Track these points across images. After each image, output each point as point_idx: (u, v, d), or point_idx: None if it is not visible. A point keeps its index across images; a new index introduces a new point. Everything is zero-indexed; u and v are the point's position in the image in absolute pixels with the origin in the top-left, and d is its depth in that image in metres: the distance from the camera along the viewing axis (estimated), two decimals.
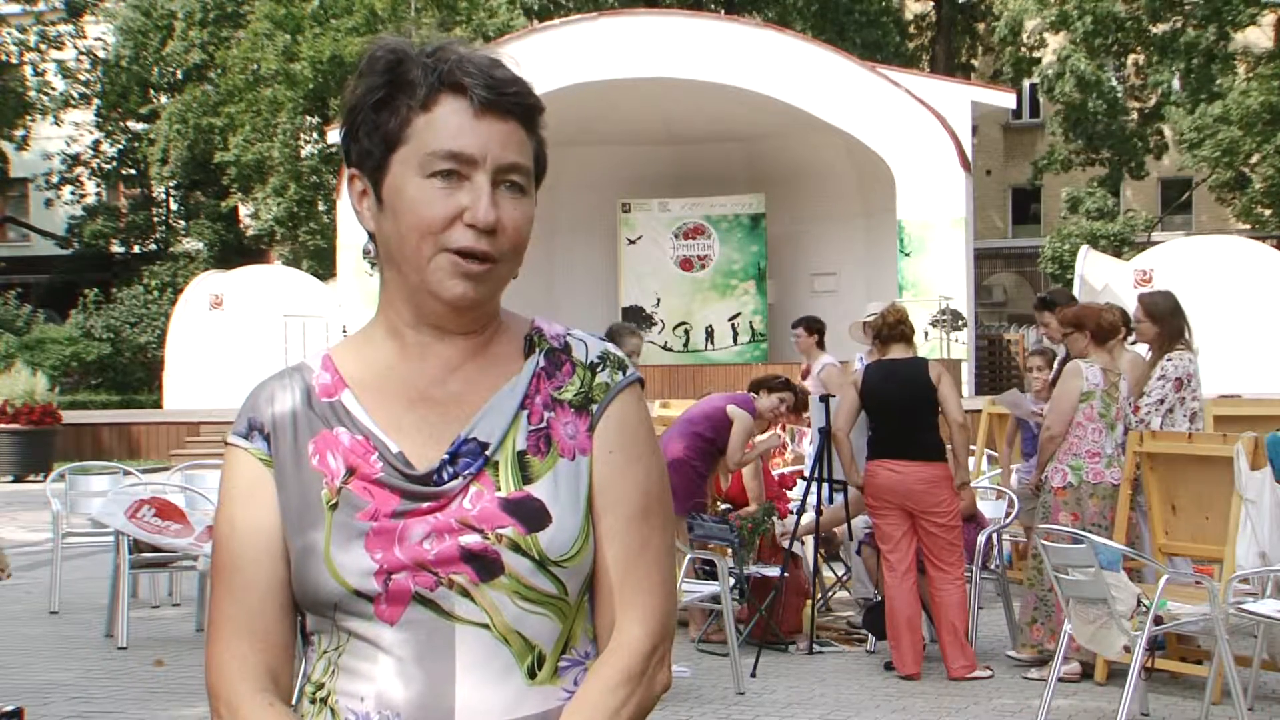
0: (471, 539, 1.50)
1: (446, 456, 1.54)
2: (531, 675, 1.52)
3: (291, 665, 1.59)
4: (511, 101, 1.54)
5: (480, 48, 1.59)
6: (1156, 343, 7.16)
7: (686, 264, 23.35)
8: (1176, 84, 28.71)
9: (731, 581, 7.05)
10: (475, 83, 1.52)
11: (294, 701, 1.58)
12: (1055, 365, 8.06)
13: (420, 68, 1.53)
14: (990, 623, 7.97)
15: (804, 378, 9.74)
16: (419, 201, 1.51)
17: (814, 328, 10.20)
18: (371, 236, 1.60)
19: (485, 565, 1.50)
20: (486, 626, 1.50)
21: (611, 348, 1.65)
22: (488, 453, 1.54)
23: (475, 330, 1.59)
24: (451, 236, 1.50)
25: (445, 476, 1.53)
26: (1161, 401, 6.98)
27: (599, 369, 1.61)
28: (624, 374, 1.62)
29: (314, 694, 1.56)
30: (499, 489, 1.53)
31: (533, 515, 1.52)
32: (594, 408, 1.59)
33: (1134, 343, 7.58)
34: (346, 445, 1.55)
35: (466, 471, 1.53)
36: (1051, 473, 6.85)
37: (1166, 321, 7.15)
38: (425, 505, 1.52)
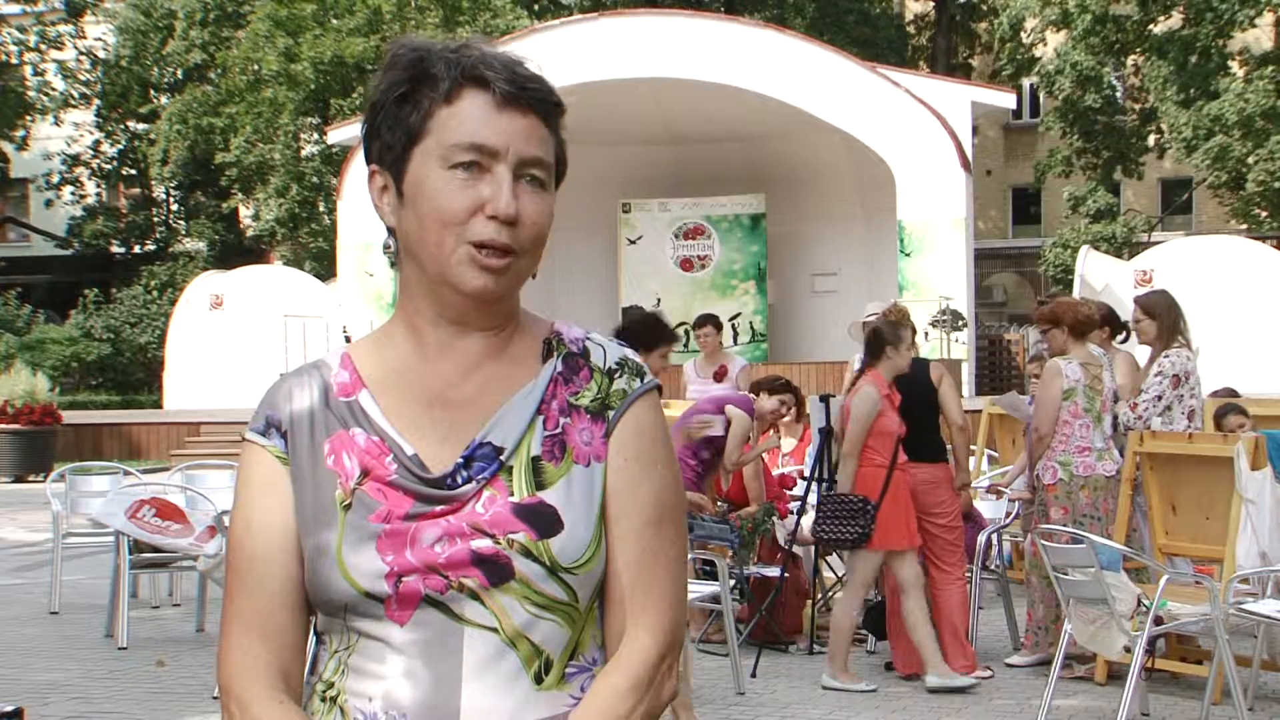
0: (482, 543, 1.50)
1: (461, 460, 1.53)
2: (539, 680, 1.52)
3: (303, 664, 1.59)
4: (534, 96, 1.54)
5: (501, 46, 1.60)
6: (1157, 341, 7.17)
7: (687, 264, 23.35)
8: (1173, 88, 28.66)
9: (731, 581, 7.05)
10: (498, 76, 1.53)
11: (304, 699, 1.59)
12: None
13: (443, 62, 1.53)
14: (990, 623, 7.97)
15: (719, 379, 9.49)
16: (440, 193, 1.51)
17: (720, 325, 10.16)
18: (391, 232, 1.59)
19: (496, 569, 1.50)
20: (495, 630, 1.50)
21: (629, 353, 1.63)
22: (502, 457, 1.54)
23: (495, 327, 1.58)
24: (472, 229, 1.50)
25: (459, 480, 1.53)
26: (1159, 398, 6.99)
27: (616, 375, 1.61)
28: (641, 381, 1.61)
29: (324, 693, 1.57)
30: (512, 494, 1.52)
31: (545, 521, 1.51)
32: (610, 414, 1.59)
33: (1124, 341, 7.58)
34: (362, 446, 1.55)
35: (480, 476, 1.53)
36: (1042, 470, 6.89)
37: (1164, 317, 7.16)
38: (438, 508, 1.52)
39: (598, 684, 1.55)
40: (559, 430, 1.56)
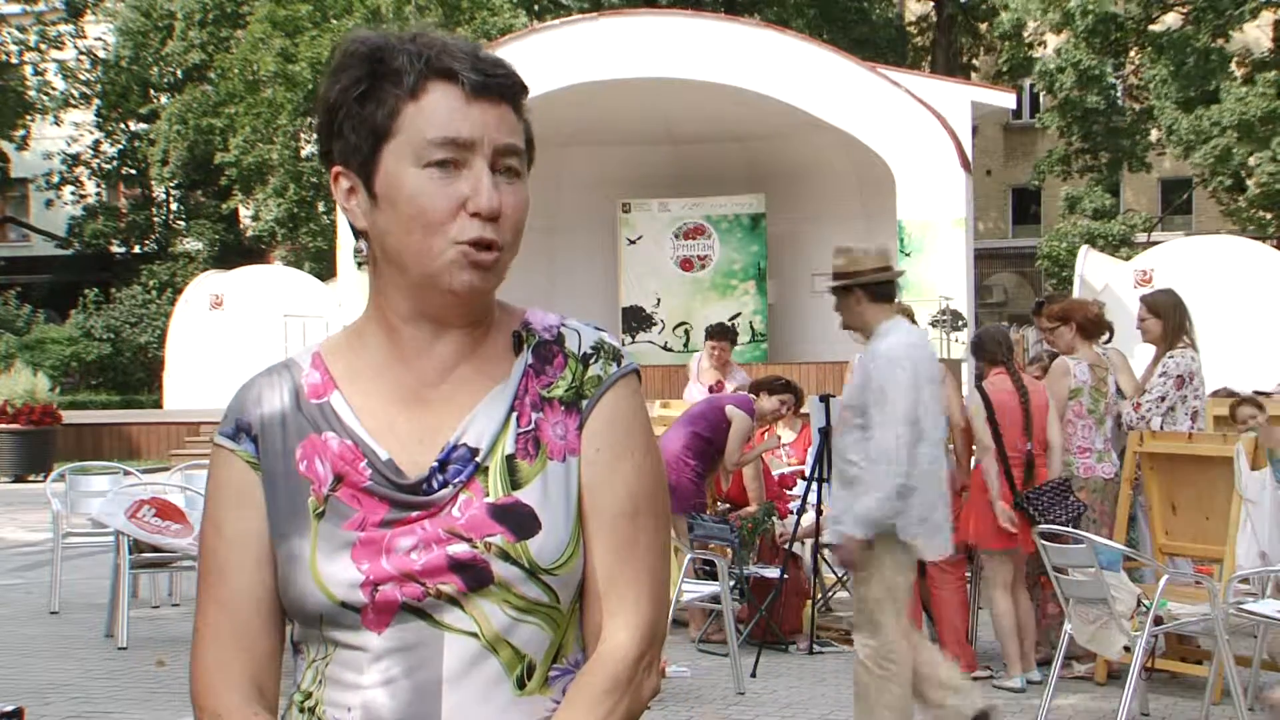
0: (459, 548, 1.46)
1: (436, 464, 1.49)
2: (520, 685, 1.48)
3: (278, 674, 1.56)
4: (501, 84, 1.50)
5: (459, 35, 1.55)
6: (1161, 340, 7.16)
7: (686, 264, 23.32)
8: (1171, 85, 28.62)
9: (731, 582, 7.05)
10: (464, 67, 1.47)
11: (281, 711, 1.55)
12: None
13: (405, 55, 1.48)
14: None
15: (714, 393, 9.27)
16: (419, 194, 1.46)
17: (734, 340, 9.93)
18: (358, 234, 1.54)
19: (474, 574, 1.46)
20: (475, 635, 1.46)
21: (607, 337, 1.59)
22: (478, 459, 1.50)
23: (473, 323, 1.54)
24: (457, 228, 1.46)
25: (435, 485, 1.49)
26: (1162, 399, 6.98)
27: (591, 361, 1.56)
28: (617, 365, 1.56)
29: (302, 703, 1.53)
30: (488, 495, 1.48)
31: (522, 522, 1.47)
32: (584, 404, 1.54)
33: (1107, 341, 7.58)
34: (335, 451, 1.51)
35: (457, 479, 1.49)
36: None
37: (1169, 318, 7.15)
38: (414, 514, 1.48)
39: (575, 686, 1.50)
40: (532, 427, 1.52)
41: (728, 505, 8.31)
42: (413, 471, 1.50)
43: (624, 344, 1.62)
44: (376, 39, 1.51)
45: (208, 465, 1.60)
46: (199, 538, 1.59)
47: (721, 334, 9.71)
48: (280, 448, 1.53)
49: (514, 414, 1.52)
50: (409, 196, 1.47)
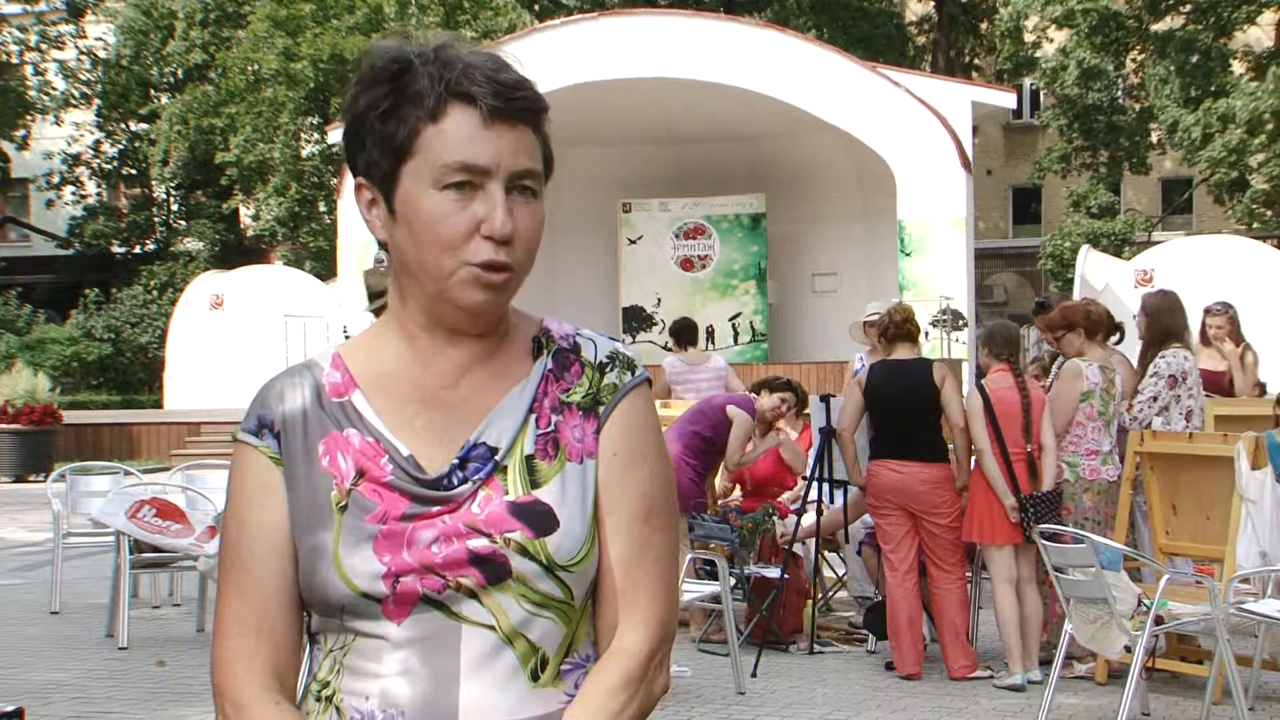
0: (479, 543, 1.51)
1: (456, 461, 1.54)
2: (535, 678, 1.53)
3: (298, 664, 1.60)
4: (520, 107, 1.53)
5: (481, 47, 1.59)
6: (1145, 340, 7.19)
7: (687, 264, 23.32)
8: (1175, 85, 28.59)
9: (732, 581, 7.05)
10: (483, 91, 1.51)
11: (299, 700, 1.59)
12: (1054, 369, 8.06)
13: (426, 77, 1.52)
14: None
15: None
16: (434, 217, 1.51)
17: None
18: (381, 245, 1.60)
19: (493, 569, 1.50)
20: (492, 628, 1.51)
21: (620, 347, 1.65)
22: (497, 457, 1.55)
23: (488, 333, 1.59)
24: (470, 250, 1.51)
25: (455, 481, 1.54)
26: (1155, 399, 6.99)
27: (607, 369, 1.62)
28: (632, 374, 1.62)
29: (319, 692, 1.57)
30: (507, 493, 1.53)
31: (540, 519, 1.52)
32: (601, 409, 1.60)
33: (1118, 343, 7.58)
34: (357, 447, 1.55)
35: (476, 476, 1.54)
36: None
37: (1155, 319, 7.18)
38: (435, 509, 1.52)
39: (590, 681, 1.56)
40: (552, 428, 1.57)
41: (749, 490, 8.44)
42: (433, 468, 1.54)
43: (625, 344, 1.67)
44: (401, 55, 1.54)
45: (229, 462, 1.64)
46: (222, 532, 1.62)
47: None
48: (302, 444, 1.57)
49: (533, 415, 1.58)
50: (425, 218, 1.52)
